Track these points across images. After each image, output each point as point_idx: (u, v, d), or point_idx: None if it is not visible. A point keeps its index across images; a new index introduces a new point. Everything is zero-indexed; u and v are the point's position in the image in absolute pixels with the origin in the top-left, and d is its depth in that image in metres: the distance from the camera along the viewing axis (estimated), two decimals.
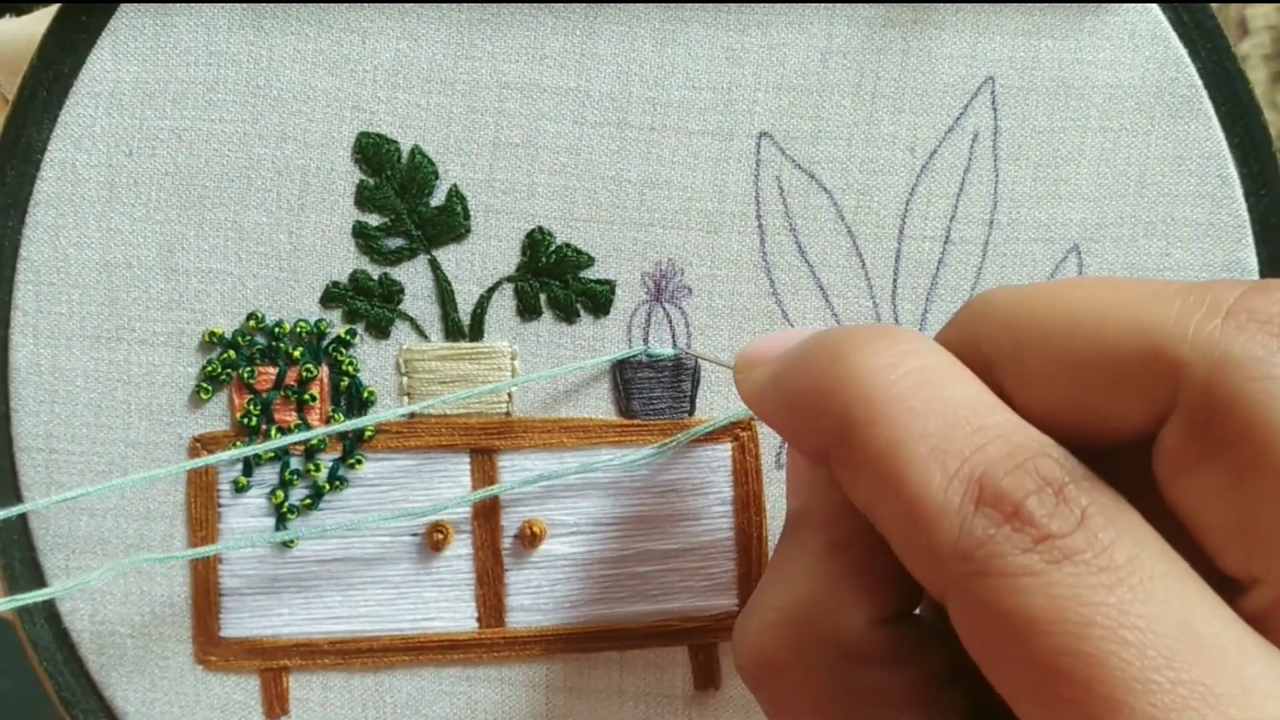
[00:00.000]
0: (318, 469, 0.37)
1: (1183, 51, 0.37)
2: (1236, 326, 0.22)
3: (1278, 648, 0.21)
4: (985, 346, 0.25)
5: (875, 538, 0.25)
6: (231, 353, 0.36)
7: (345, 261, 0.36)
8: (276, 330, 0.36)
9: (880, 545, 0.25)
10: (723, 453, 0.37)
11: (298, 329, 0.36)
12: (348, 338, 0.37)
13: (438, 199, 0.36)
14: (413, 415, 0.37)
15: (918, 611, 0.27)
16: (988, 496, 0.22)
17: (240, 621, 0.37)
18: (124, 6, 0.35)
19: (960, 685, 0.26)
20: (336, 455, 0.37)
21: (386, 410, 0.37)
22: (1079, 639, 0.21)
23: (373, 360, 0.37)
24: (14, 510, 0.34)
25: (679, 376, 0.37)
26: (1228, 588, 0.23)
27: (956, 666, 0.25)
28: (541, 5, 0.36)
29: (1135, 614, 0.21)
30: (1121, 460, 0.24)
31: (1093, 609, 0.21)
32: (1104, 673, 0.20)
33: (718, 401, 0.37)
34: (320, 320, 0.37)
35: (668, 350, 0.37)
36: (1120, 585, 0.21)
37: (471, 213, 0.37)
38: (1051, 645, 0.21)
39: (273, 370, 0.37)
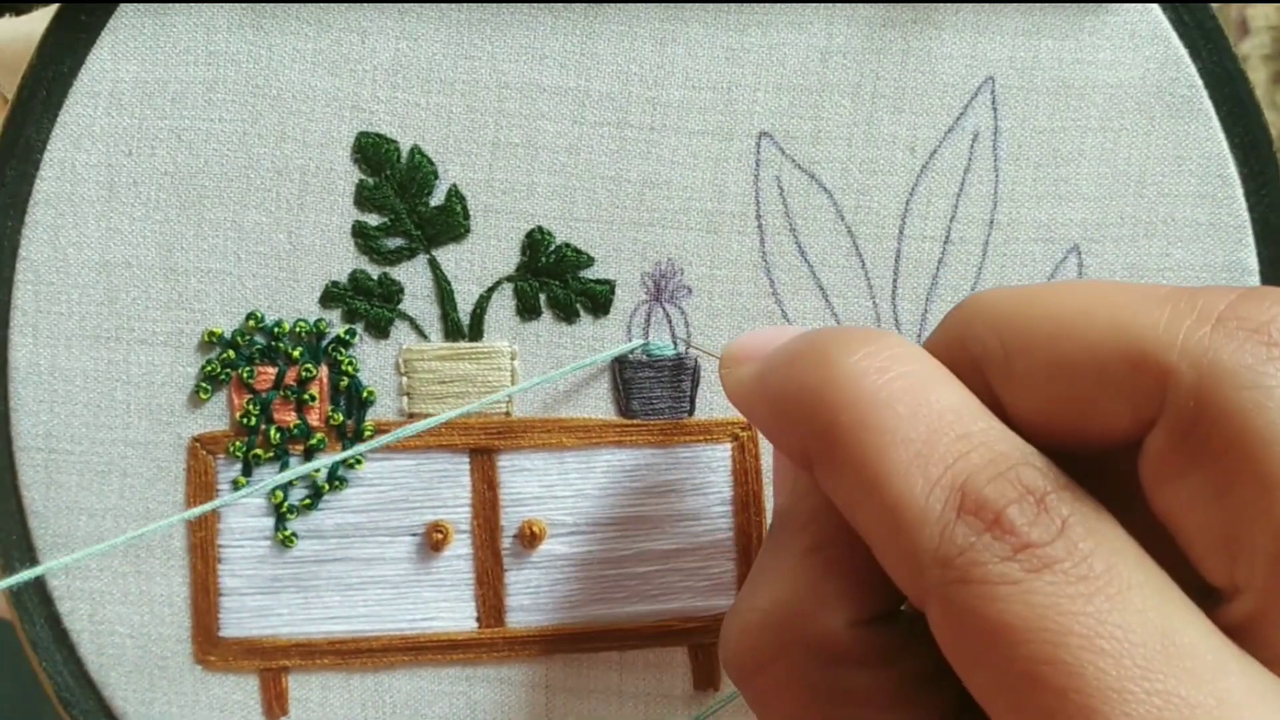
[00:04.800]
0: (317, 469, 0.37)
1: (1183, 51, 0.37)
2: (1226, 334, 0.22)
3: (1256, 658, 0.21)
4: (974, 348, 0.25)
5: (856, 540, 0.25)
6: (231, 352, 0.36)
7: (345, 261, 0.36)
8: (276, 330, 0.36)
9: (861, 548, 0.25)
10: (722, 453, 0.37)
11: (297, 329, 0.36)
12: (347, 337, 0.37)
13: (437, 199, 0.36)
14: (411, 416, 0.37)
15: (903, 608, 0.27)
16: (969, 504, 0.22)
17: (239, 621, 0.37)
18: (123, 6, 0.35)
19: (942, 686, 0.26)
20: (336, 455, 0.37)
21: (384, 408, 0.37)
22: (1056, 647, 0.21)
23: (372, 360, 0.37)
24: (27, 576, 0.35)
25: (679, 376, 0.37)
26: (1210, 597, 0.22)
27: (939, 668, 0.25)
28: (541, 5, 0.36)
29: (1112, 623, 0.21)
30: (1109, 465, 0.24)
31: (1070, 618, 0.21)
32: (1081, 681, 0.20)
33: (718, 401, 0.37)
34: (320, 320, 0.36)
35: (668, 346, 0.37)
36: (1098, 594, 0.21)
37: (471, 212, 0.37)
38: (1029, 653, 0.21)
39: (272, 370, 0.36)
